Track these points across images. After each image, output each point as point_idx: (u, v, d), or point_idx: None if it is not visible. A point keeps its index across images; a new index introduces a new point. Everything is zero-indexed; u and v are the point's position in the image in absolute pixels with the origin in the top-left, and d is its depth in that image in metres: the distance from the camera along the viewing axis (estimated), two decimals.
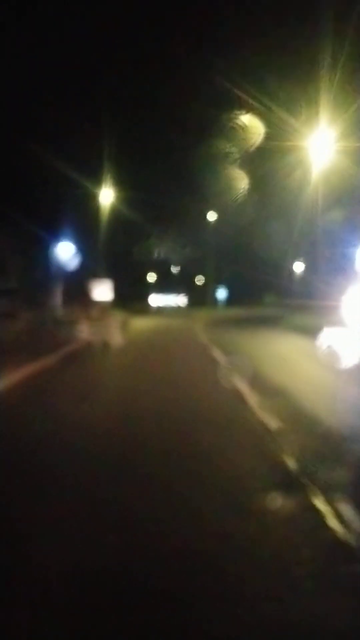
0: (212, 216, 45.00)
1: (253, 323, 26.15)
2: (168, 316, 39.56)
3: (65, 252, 24.90)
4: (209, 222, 45.24)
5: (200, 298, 53.63)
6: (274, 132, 21.15)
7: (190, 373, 10.71)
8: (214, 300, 50.79)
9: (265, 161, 27.15)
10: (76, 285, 23.96)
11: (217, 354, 13.05)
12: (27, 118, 21.94)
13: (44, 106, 22.83)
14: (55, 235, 24.00)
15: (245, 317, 31.89)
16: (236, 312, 38.22)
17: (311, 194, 24.99)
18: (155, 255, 60.68)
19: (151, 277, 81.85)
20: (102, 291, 29.55)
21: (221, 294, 50.70)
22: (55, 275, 24.87)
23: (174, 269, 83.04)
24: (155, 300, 57.25)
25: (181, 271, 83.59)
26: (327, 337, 12.29)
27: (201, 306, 48.53)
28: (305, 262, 57.78)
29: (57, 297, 25.36)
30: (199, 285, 79.65)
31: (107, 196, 32.91)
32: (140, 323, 28.75)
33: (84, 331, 16.27)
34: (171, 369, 11.36)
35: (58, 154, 29.00)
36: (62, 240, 24.88)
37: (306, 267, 58.85)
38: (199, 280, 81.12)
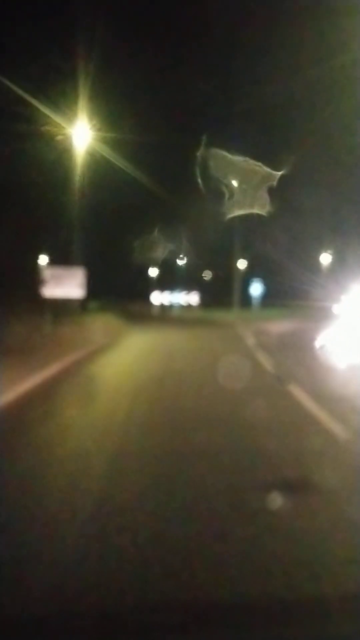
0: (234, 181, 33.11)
1: None
2: (183, 325, 25.87)
3: None
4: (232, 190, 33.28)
5: (217, 295, 41.52)
6: None
7: None
8: (246, 299, 37.62)
9: None
10: None
11: None
12: None
13: None
14: None
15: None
16: (289, 315, 25.66)
17: None
18: (161, 252, 49.35)
19: (153, 272, 70.78)
20: (68, 285, 17.64)
21: (255, 289, 36.72)
22: None
23: (181, 262, 71.75)
24: (159, 298, 45.28)
25: (189, 263, 72.26)
26: None
27: (222, 307, 36.49)
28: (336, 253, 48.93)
29: None
30: (210, 281, 68.50)
31: (82, 138, 20.88)
32: (135, 344, 15.94)
33: None
34: None
35: None
36: None
37: (335, 259, 50.54)
38: (206, 275, 69.97)
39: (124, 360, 12.29)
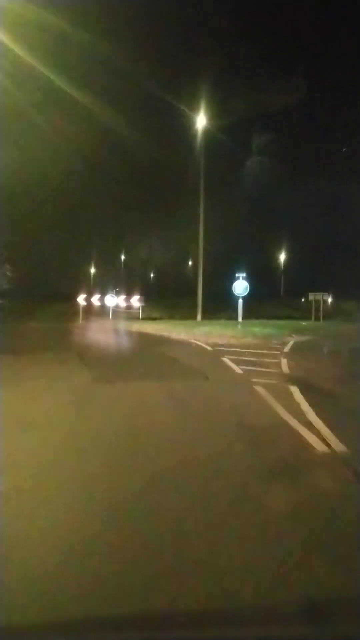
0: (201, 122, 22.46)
1: None
2: (108, 364, 11.00)
3: None
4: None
5: (170, 299, 30.08)
6: None
7: None
8: (218, 303, 25.02)
9: None
10: None
11: None
12: None
13: None
14: None
15: None
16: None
17: None
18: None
19: (90, 270, 59.57)
20: None
21: (240, 288, 22.02)
22: None
23: (123, 256, 60.45)
24: (88, 301, 33.40)
25: (133, 259, 60.88)
26: None
27: (177, 313, 25.12)
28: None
29: None
30: (156, 279, 58.15)
31: None
32: None
33: None
34: None
35: None
36: None
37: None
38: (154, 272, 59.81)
39: None
